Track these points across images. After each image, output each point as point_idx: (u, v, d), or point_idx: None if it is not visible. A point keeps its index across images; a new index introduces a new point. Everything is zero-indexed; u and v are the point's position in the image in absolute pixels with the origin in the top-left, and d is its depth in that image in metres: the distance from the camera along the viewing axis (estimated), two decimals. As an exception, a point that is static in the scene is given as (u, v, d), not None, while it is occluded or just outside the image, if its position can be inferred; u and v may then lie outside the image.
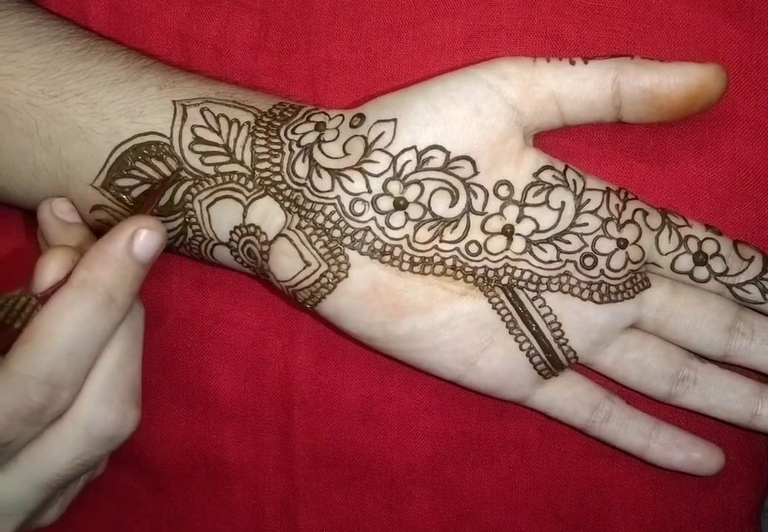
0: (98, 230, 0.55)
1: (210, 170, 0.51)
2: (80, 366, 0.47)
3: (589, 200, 0.51)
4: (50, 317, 0.47)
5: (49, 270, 0.48)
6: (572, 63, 0.50)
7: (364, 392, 0.57)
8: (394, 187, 0.50)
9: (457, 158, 0.49)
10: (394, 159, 0.49)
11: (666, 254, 0.52)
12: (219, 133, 0.51)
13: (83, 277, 0.47)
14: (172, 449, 0.59)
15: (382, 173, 0.50)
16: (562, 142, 0.54)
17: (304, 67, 0.56)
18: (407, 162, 0.49)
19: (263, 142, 0.51)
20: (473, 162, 0.49)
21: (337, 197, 0.50)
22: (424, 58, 0.55)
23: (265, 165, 0.51)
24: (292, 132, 0.51)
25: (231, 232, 0.52)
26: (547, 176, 0.51)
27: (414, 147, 0.49)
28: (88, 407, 0.49)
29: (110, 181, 0.52)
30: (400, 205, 0.50)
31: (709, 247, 0.52)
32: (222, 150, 0.51)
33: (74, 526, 0.60)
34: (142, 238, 0.48)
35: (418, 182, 0.50)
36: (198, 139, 0.51)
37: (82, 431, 0.49)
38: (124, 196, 0.52)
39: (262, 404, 0.58)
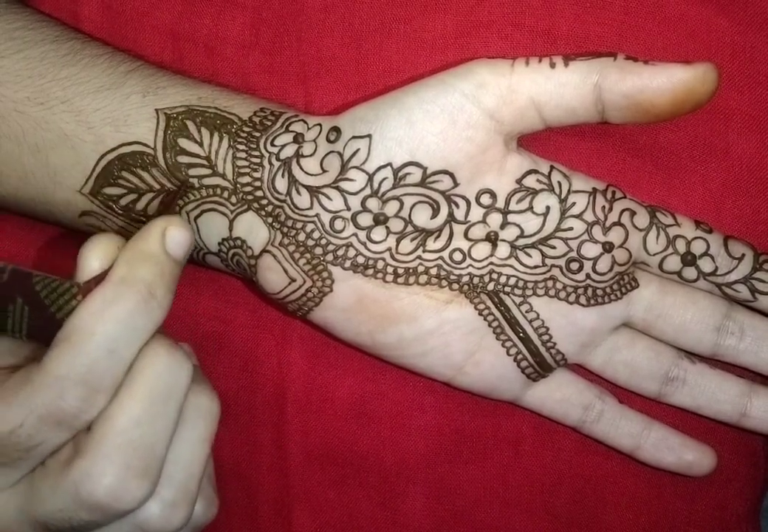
0: (89, 235, 0.55)
1: (194, 182, 0.51)
2: (119, 368, 0.45)
3: (574, 204, 0.50)
4: (90, 315, 0.45)
5: (93, 258, 0.47)
6: (552, 65, 0.48)
7: (358, 390, 0.57)
8: (373, 203, 0.49)
9: (435, 173, 0.49)
10: (371, 177, 0.49)
11: (654, 255, 0.52)
12: (201, 145, 0.51)
13: (122, 274, 0.46)
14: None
15: (359, 191, 0.49)
16: (553, 137, 0.53)
17: (296, 65, 0.56)
18: (384, 179, 0.49)
19: (243, 155, 0.51)
20: (452, 175, 0.49)
21: (317, 215, 0.50)
22: (416, 55, 0.54)
23: (247, 179, 0.51)
24: (272, 144, 0.51)
25: (219, 244, 0.52)
26: (530, 181, 0.50)
27: (390, 164, 0.49)
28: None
29: (98, 189, 0.52)
30: (380, 220, 0.50)
31: (698, 247, 0.52)
32: (204, 162, 0.51)
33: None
34: (174, 235, 0.47)
35: (396, 198, 0.49)
36: (181, 151, 0.51)
37: None
38: (113, 205, 0.52)
39: (255, 402, 0.58)
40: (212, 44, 0.57)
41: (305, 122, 0.51)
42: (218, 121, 0.52)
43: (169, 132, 0.51)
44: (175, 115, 0.52)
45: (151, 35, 0.57)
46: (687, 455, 0.54)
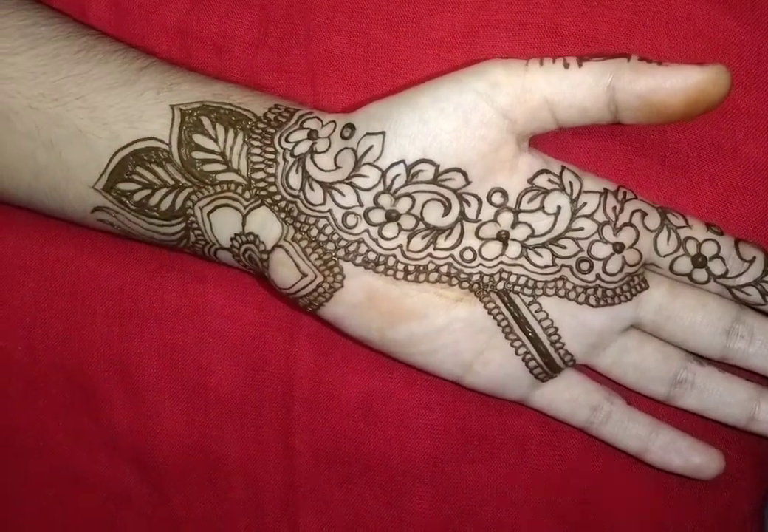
0: (102, 230, 0.55)
1: (208, 178, 0.52)
2: None
3: (585, 204, 0.50)
4: None
5: None
6: (566, 66, 0.48)
7: (365, 389, 0.57)
8: (385, 200, 0.50)
9: (448, 171, 0.49)
10: (384, 173, 0.49)
11: (664, 256, 0.52)
12: (216, 141, 0.51)
13: None
14: (173, 446, 0.59)
15: (372, 187, 0.49)
16: (561, 136, 0.53)
17: (304, 63, 0.56)
18: (397, 176, 0.49)
19: (258, 150, 0.51)
20: (464, 173, 0.49)
21: (330, 211, 0.50)
22: (423, 53, 0.55)
23: (261, 175, 0.51)
24: (286, 140, 0.51)
25: (231, 239, 0.52)
26: (542, 181, 0.50)
27: (402, 161, 0.49)
28: None
29: (111, 185, 0.52)
30: (392, 217, 0.50)
31: (709, 249, 0.52)
32: (219, 158, 0.51)
33: (59, 525, 0.61)
34: None
35: (408, 195, 0.49)
36: (196, 146, 0.52)
37: None
38: (126, 200, 0.52)
39: (262, 401, 0.58)
40: (220, 42, 0.57)
41: (320, 119, 0.51)
42: (233, 118, 0.52)
43: (184, 128, 0.52)
44: (190, 112, 0.52)
45: (158, 33, 0.58)
46: (695, 458, 0.54)
